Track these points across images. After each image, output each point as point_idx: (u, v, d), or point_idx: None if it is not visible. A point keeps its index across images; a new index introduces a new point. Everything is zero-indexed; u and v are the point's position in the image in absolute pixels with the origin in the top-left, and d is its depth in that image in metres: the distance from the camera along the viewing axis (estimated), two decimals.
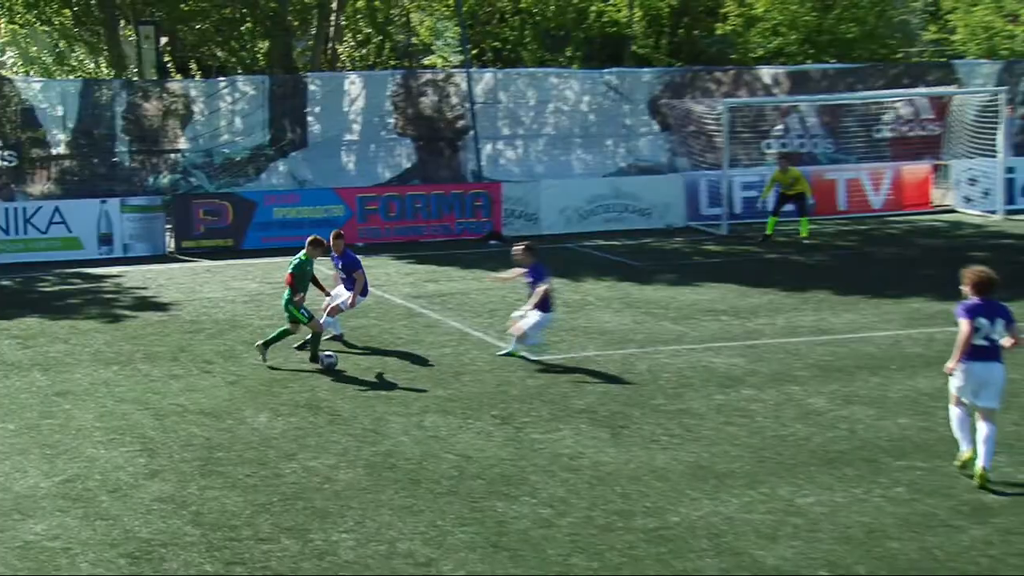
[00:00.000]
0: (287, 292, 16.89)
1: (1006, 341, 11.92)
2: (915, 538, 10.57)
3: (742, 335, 18.31)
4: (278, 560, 10.46)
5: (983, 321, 11.91)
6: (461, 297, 21.42)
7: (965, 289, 12.20)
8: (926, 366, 16.09)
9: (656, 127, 33.57)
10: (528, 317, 16.85)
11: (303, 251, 17.04)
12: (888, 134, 34.47)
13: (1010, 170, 30.37)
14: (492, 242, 27.71)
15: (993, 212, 29.64)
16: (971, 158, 30.94)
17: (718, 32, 40.43)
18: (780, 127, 34.20)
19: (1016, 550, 10.26)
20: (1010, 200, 30.13)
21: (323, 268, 19.03)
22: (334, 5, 37.73)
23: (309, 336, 17.00)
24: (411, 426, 14.09)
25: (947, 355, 16.57)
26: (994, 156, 29.84)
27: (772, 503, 11.46)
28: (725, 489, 11.84)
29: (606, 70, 34.70)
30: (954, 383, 12.14)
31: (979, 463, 11.79)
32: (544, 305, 16.84)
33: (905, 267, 23.87)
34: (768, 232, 27.22)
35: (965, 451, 12.06)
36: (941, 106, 33.64)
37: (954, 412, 12.24)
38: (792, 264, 24.91)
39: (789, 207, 27.29)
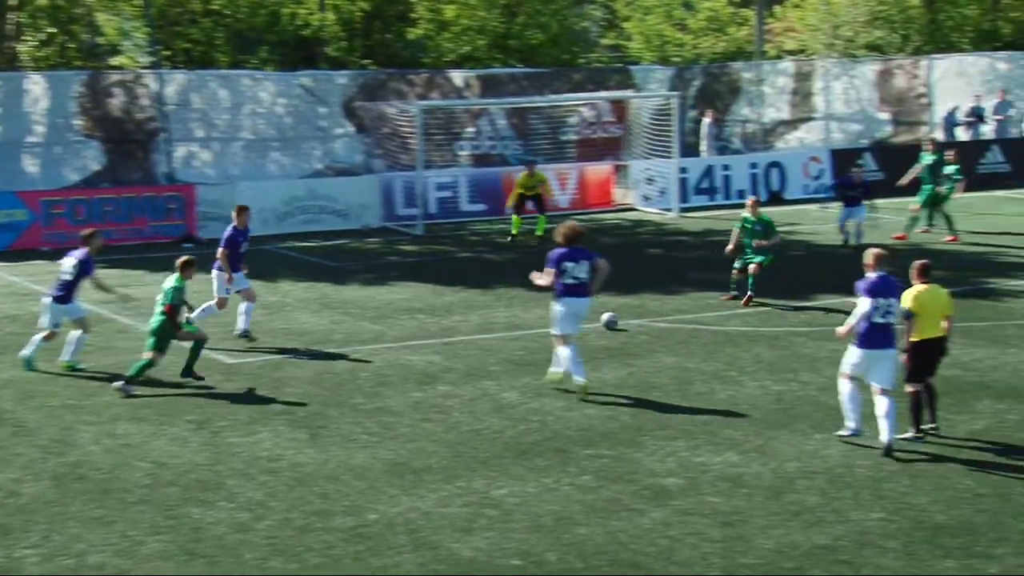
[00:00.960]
0: (160, 320, 15.33)
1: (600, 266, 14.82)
2: (601, 523, 10.90)
3: (438, 333, 18.45)
4: None
5: (568, 264, 14.72)
6: (153, 302, 20.71)
7: (558, 240, 14.93)
8: (611, 358, 16.64)
9: (352, 129, 33.41)
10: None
11: (176, 275, 15.41)
12: (573, 136, 35.50)
13: (683, 170, 31.82)
14: (186, 245, 26.89)
15: (669, 210, 31.01)
16: (648, 159, 32.27)
17: (410, 36, 40.65)
18: (472, 129, 34.69)
19: (692, 531, 10.73)
20: (684, 198, 31.59)
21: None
22: (13, 2, 35.76)
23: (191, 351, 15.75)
24: (102, 435, 13.49)
25: (628, 347, 17.25)
26: (669, 157, 31.22)
27: (468, 496, 11.57)
28: (423, 485, 11.88)
29: (300, 72, 34.28)
30: (554, 321, 14.81)
31: (578, 380, 14.61)
32: None
33: None
34: (514, 232, 27.43)
35: (556, 372, 15.04)
36: (621, 109, 34.95)
37: (563, 351, 14.80)
38: (485, 262, 25.30)
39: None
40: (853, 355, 12.68)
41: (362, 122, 33.02)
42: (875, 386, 12.56)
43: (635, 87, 36.95)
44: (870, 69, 39.48)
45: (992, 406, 14.09)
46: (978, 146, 35.40)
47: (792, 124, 38.99)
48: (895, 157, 34.34)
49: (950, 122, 37.38)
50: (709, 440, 13.05)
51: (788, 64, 40.04)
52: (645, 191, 32.35)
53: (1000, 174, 33.80)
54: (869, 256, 12.92)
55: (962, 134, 37.20)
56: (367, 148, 33.01)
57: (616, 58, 42.71)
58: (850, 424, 12.81)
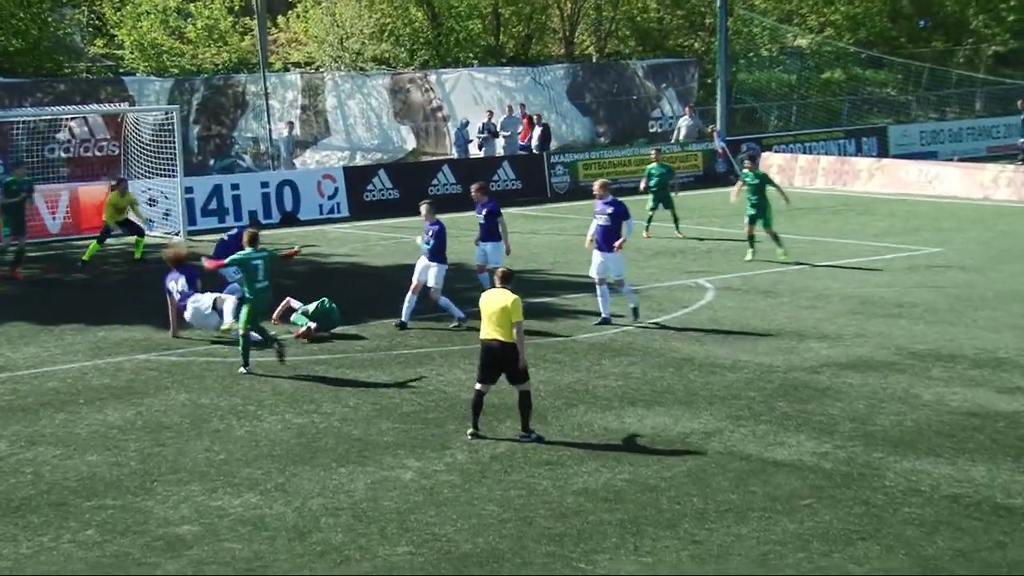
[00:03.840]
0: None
1: None
2: None
3: None
4: None
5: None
6: None
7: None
8: (115, 397, 16.05)
9: None
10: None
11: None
12: (63, 154, 34.16)
13: (189, 190, 31.26)
14: None
15: (176, 233, 30.35)
16: (150, 177, 31.47)
17: None
18: None
19: None
20: (191, 220, 31.03)
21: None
22: None
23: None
24: None
25: (135, 385, 16.74)
26: (173, 176, 30.58)
27: None
28: None
29: None
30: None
31: None
32: None
33: (91, 294, 23.73)
34: (85, 258, 26.64)
35: None
36: (116, 124, 33.94)
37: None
38: None
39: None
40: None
41: None
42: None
43: (130, 100, 36.08)
44: (381, 83, 40.65)
45: (514, 427, 14.77)
46: (491, 163, 37.04)
47: (307, 143, 39.48)
48: (411, 175, 35.52)
49: (462, 137, 39.11)
50: (227, 482, 12.85)
51: (295, 77, 40.45)
52: (148, 213, 31.49)
53: (512, 191, 35.60)
54: (595, 186, 19.69)
55: (475, 150, 38.98)
56: None
57: (107, 68, 41.32)
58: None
